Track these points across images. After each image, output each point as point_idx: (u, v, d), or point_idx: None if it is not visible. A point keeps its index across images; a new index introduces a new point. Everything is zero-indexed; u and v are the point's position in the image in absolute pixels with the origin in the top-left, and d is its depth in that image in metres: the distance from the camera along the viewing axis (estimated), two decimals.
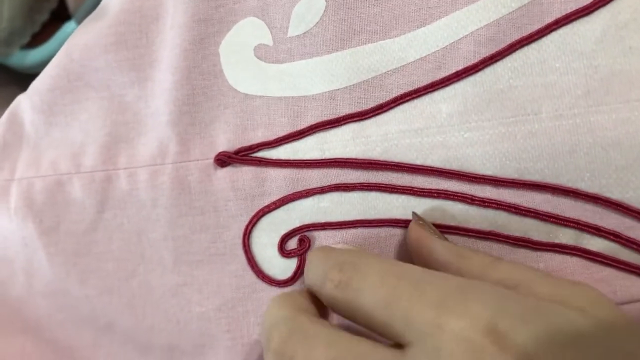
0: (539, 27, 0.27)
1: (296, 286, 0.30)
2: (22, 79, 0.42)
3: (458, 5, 0.28)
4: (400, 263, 0.23)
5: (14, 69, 0.47)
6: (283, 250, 0.30)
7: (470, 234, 0.28)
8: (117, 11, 0.31)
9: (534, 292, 0.22)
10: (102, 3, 0.32)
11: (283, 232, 0.30)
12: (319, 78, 0.29)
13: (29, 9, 0.46)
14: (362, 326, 0.22)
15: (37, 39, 0.47)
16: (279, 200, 0.30)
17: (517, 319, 0.19)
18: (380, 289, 0.21)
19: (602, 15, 0.27)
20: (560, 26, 0.27)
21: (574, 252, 0.28)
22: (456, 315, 0.19)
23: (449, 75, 0.28)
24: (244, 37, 0.30)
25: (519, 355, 0.18)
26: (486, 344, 0.18)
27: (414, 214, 0.28)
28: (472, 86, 0.28)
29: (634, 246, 0.27)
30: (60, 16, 0.47)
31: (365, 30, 0.29)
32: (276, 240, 0.30)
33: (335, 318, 0.28)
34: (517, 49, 0.27)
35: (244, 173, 0.30)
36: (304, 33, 0.29)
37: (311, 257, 0.26)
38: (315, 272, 0.24)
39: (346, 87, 0.29)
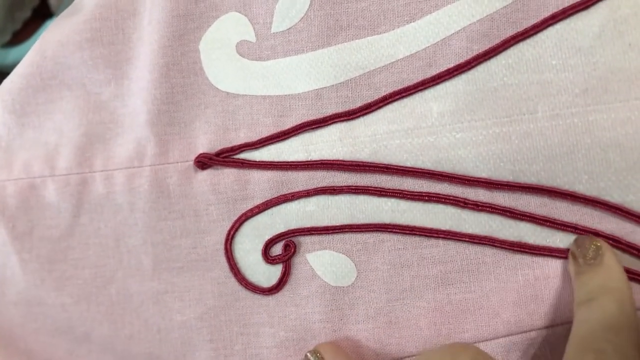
0: (535, 22, 0.26)
1: (281, 294, 0.29)
2: (3, 78, 0.40)
3: None
4: None
5: None
6: (267, 256, 0.29)
7: (463, 239, 0.27)
8: (92, 6, 0.29)
9: None
10: None
11: (267, 237, 0.29)
12: (304, 76, 0.28)
13: (10, 6, 0.45)
14: None
15: (19, 36, 0.46)
16: (262, 204, 0.28)
17: None
18: None
19: (600, 10, 0.26)
20: (557, 21, 0.26)
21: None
22: None
23: (440, 73, 0.27)
24: (225, 33, 0.29)
25: None
26: None
27: None
28: (464, 84, 0.27)
29: (635, 252, 0.26)
30: (42, 13, 0.46)
31: (352, 26, 0.27)
32: (260, 245, 0.29)
33: None
34: (511, 45, 0.26)
35: (226, 175, 0.29)
36: (288, 29, 0.28)
37: None
38: None
39: (333, 85, 0.28)
